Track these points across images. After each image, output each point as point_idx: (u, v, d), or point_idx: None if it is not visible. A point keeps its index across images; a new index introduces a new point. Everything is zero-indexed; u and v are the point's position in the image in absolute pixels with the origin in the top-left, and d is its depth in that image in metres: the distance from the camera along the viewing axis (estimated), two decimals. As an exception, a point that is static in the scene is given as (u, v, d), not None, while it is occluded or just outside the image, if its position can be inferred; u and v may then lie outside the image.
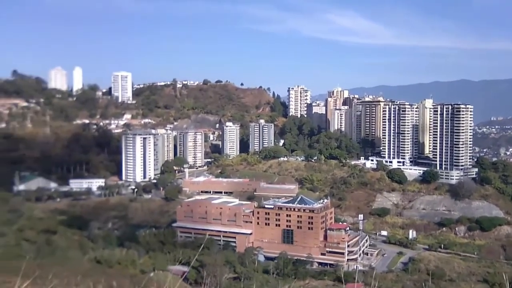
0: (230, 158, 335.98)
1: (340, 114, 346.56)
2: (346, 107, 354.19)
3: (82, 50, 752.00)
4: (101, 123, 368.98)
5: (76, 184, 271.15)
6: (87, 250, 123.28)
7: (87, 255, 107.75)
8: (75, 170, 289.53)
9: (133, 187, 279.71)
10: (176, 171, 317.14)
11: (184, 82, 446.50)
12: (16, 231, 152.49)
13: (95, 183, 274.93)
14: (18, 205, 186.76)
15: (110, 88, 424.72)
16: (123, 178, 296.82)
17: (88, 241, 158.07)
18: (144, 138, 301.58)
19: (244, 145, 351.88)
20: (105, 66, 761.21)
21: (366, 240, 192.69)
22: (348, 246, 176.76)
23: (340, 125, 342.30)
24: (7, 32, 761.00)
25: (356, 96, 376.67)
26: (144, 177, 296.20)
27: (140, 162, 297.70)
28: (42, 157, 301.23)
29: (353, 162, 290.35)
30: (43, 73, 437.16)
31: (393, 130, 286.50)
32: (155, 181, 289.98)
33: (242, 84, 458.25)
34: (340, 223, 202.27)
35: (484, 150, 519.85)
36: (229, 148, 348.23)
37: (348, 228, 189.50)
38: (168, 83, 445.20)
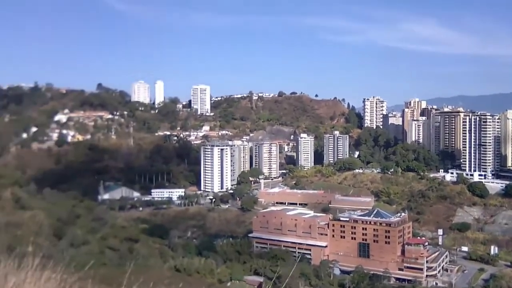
0: (305, 169, 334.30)
1: (418, 125, 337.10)
2: (424, 118, 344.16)
3: (163, 64, 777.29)
4: (181, 135, 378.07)
5: (158, 194, 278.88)
6: (167, 259, 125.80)
7: (167, 263, 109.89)
8: (157, 180, 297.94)
9: (211, 197, 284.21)
10: (252, 182, 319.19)
11: (260, 94, 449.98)
12: (100, 239, 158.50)
13: (175, 193, 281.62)
14: (103, 213, 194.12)
15: (189, 101, 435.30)
16: (202, 188, 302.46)
17: (168, 250, 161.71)
18: (222, 149, 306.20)
19: (318, 157, 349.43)
20: (185, 80, 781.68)
21: (446, 256, 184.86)
22: (426, 261, 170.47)
23: (418, 137, 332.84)
24: (93, 47, 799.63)
25: (434, 106, 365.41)
26: (222, 188, 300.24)
27: (218, 173, 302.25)
28: (126, 167, 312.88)
29: (431, 175, 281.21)
30: (126, 86, 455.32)
31: (473, 141, 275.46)
32: (231, 191, 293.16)
33: (316, 96, 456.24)
34: (418, 237, 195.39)
35: None
36: (304, 160, 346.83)
37: (426, 243, 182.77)
38: (245, 95, 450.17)
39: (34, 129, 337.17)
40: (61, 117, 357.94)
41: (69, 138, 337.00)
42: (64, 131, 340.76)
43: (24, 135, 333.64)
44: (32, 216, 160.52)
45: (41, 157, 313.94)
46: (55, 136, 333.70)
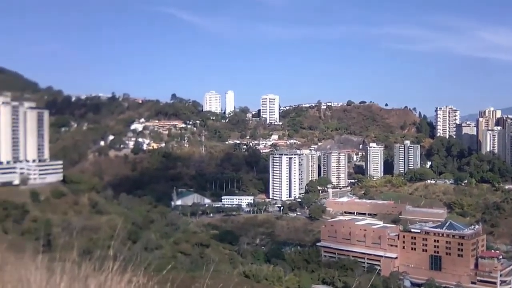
0: (374, 179, 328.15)
1: (493, 135, 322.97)
2: (499, 127, 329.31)
3: (234, 75, 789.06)
4: (251, 143, 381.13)
5: (228, 201, 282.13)
6: (236, 264, 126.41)
7: (236, 269, 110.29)
8: (227, 187, 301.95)
9: (279, 205, 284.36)
10: (320, 191, 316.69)
11: (328, 104, 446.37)
12: (173, 244, 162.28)
13: (245, 200, 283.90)
14: (175, 219, 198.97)
15: (259, 110, 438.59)
16: (270, 196, 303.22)
17: (237, 256, 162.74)
18: (290, 158, 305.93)
19: (388, 167, 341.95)
20: (254, 90, 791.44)
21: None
22: (500, 275, 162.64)
23: (493, 147, 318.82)
24: (167, 59, 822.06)
25: (510, 116, 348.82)
26: (290, 196, 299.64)
27: (286, 181, 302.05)
28: (197, 174, 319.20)
29: (507, 187, 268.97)
30: (199, 96, 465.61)
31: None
32: (300, 200, 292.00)
33: (386, 105, 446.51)
34: (492, 251, 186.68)
35: None
36: (373, 169, 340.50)
37: (501, 257, 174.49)
38: (313, 104, 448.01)
39: (111, 137, 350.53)
40: (137, 126, 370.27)
41: (145, 146, 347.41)
42: (140, 139, 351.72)
43: (102, 143, 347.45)
44: (108, 220, 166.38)
45: (118, 164, 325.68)
46: (131, 144, 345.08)
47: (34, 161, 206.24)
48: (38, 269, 6.79)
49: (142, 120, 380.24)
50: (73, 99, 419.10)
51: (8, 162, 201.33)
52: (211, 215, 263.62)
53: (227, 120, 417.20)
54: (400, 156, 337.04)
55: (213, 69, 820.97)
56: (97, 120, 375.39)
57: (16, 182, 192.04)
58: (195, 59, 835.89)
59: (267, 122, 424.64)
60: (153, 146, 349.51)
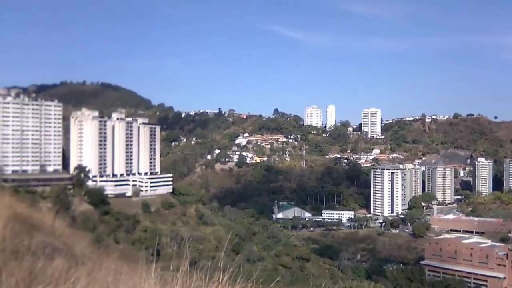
0: (482, 196, 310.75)
1: None
2: None
3: (335, 89, 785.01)
4: (351, 158, 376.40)
5: (328, 215, 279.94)
6: (337, 280, 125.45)
7: (337, 285, 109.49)
8: (327, 201, 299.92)
9: (381, 221, 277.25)
10: (424, 207, 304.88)
11: (433, 117, 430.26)
12: (274, 256, 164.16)
13: (345, 215, 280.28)
14: (276, 232, 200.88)
15: (360, 124, 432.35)
16: (372, 211, 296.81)
17: (338, 271, 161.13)
18: (392, 173, 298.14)
19: (497, 183, 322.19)
20: (355, 103, 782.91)
21: None
22: None
23: None
24: (268, 75, 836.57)
25: None
26: (392, 212, 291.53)
27: (388, 197, 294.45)
28: (298, 188, 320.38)
29: None
30: (300, 111, 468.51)
31: None
32: (402, 216, 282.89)
33: (495, 117, 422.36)
34: None
35: None
36: (481, 185, 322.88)
37: None
38: (417, 117, 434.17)
39: (217, 151, 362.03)
40: (241, 140, 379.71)
41: (248, 160, 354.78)
42: (244, 153, 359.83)
43: (208, 157, 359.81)
44: (214, 231, 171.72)
45: (223, 177, 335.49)
46: (235, 157, 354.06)
47: (146, 174, 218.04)
48: (151, 278, 7.18)
49: (246, 134, 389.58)
50: (183, 115, 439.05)
51: (122, 175, 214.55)
52: (311, 229, 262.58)
53: (328, 134, 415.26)
54: (510, 171, 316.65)
55: (314, 84, 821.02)
56: (204, 135, 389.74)
57: (129, 194, 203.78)
58: (297, 74, 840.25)
59: (369, 136, 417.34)
60: (256, 160, 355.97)
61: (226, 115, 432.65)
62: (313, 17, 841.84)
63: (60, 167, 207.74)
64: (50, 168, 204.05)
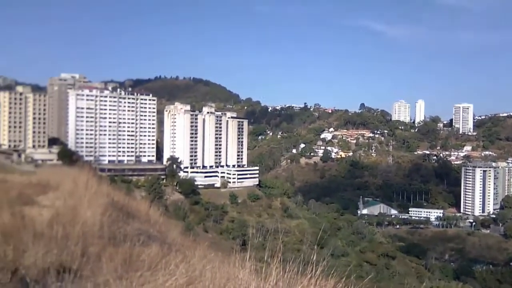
0: None
1: None
2: None
3: (425, 83, 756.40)
4: (441, 154, 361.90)
5: (415, 213, 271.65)
6: (423, 279, 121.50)
7: (423, 284, 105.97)
8: (414, 199, 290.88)
9: (471, 220, 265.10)
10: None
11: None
12: (359, 252, 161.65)
13: (433, 213, 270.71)
14: (361, 228, 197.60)
15: (451, 120, 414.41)
16: (461, 210, 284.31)
17: (424, 270, 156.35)
18: (484, 171, 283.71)
19: None
20: (446, 98, 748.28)
21: None
22: None
23: None
24: (356, 69, 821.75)
25: None
26: (483, 211, 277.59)
27: (479, 195, 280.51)
28: (384, 184, 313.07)
29: None
30: (387, 106, 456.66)
31: None
32: (494, 216, 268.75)
33: None
34: None
35: None
36: None
37: None
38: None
39: (302, 145, 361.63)
40: (326, 135, 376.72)
41: (333, 155, 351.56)
42: (329, 148, 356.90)
43: (294, 151, 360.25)
44: (298, 224, 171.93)
45: (308, 171, 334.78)
46: (320, 152, 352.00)
47: (233, 166, 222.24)
48: (245, 267, 7.20)
49: (331, 129, 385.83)
50: (270, 109, 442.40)
51: (211, 167, 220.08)
52: (398, 226, 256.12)
53: (416, 130, 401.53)
54: None
55: (402, 78, 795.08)
56: (290, 129, 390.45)
57: (217, 185, 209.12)
58: (384, 69, 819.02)
59: (460, 132, 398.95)
60: (341, 155, 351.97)
61: (311, 109, 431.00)
62: (400, 10, 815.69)
63: (154, 158, 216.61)
64: (144, 159, 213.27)
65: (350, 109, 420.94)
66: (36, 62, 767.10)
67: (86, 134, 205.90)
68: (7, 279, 5.13)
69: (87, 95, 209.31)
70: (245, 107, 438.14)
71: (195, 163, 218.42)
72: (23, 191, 13.96)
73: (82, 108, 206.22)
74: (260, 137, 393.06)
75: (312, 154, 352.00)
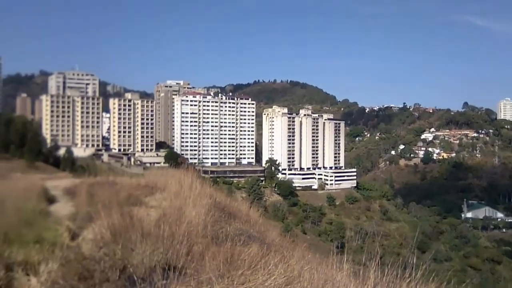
0: None
1: None
2: None
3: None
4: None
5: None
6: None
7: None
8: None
9: None
10: None
11: None
12: (462, 257, 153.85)
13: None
14: (465, 232, 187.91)
15: None
16: None
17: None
18: None
19: None
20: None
21: None
22: None
23: None
24: (459, 65, 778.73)
25: None
26: None
27: None
28: (489, 186, 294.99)
29: None
30: (492, 104, 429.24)
31: None
32: None
33: None
34: None
35: None
36: None
37: None
38: None
39: (401, 146, 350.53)
40: (427, 135, 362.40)
41: (435, 156, 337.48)
42: (430, 149, 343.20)
43: (392, 152, 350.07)
44: (398, 228, 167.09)
45: (407, 173, 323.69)
46: (421, 153, 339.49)
47: (331, 168, 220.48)
48: (341, 270, 7.26)
49: (433, 129, 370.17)
50: (367, 110, 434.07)
51: (308, 169, 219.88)
52: (504, 230, 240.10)
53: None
54: None
55: (508, 76, 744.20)
56: (388, 130, 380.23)
57: (315, 186, 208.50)
58: (488, 66, 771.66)
59: None
60: (443, 156, 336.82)
61: (411, 109, 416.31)
62: (505, 3, 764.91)
63: (253, 160, 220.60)
64: (244, 161, 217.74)
65: (452, 108, 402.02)
66: (144, 70, 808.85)
67: (190, 138, 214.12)
68: (115, 277, 5.38)
69: (191, 101, 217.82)
70: (342, 109, 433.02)
71: (293, 165, 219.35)
72: (132, 192, 14.75)
73: (187, 113, 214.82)
74: (357, 138, 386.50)
75: (412, 155, 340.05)
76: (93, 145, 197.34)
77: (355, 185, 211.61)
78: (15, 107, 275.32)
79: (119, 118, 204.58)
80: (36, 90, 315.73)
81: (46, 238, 9.52)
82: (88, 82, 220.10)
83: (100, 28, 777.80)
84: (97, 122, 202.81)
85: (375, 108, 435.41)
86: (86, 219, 10.69)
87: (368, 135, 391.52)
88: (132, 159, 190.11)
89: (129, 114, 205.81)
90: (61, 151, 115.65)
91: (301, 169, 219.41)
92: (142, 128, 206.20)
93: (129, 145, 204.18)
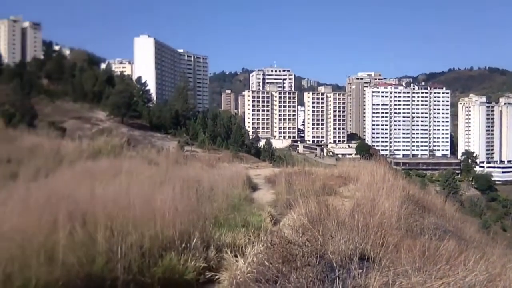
0: None
1: None
2: None
3: None
4: None
5: None
6: None
7: None
8: None
9: None
10: None
11: None
12: None
13: None
14: None
15: None
16: None
17: None
18: None
19: None
20: None
21: None
22: None
23: None
24: None
25: None
26: None
27: None
28: None
29: None
30: None
31: None
32: None
33: None
34: None
35: None
36: None
37: None
38: None
39: None
40: None
41: None
42: None
43: None
44: None
45: None
46: None
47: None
48: None
49: None
50: None
51: (509, 161, 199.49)
52: None
53: None
54: None
55: None
56: None
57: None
58: None
59: None
60: None
61: None
62: None
63: (448, 153, 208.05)
64: (438, 153, 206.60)
65: None
66: (336, 63, 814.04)
67: (382, 129, 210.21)
68: (315, 262, 5.61)
69: (382, 92, 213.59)
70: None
71: (492, 158, 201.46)
72: (326, 182, 15.12)
73: (378, 104, 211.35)
74: None
75: None
76: (289, 137, 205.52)
77: None
78: (221, 103, 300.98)
79: (313, 111, 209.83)
80: (239, 86, 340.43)
81: (251, 222, 10.35)
82: (285, 77, 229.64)
83: (293, 28, 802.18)
84: (293, 115, 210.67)
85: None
86: (285, 206, 11.30)
87: None
88: (325, 150, 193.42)
89: (322, 107, 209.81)
90: (261, 143, 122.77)
91: (501, 162, 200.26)
92: (334, 120, 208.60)
93: (322, 137, 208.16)
